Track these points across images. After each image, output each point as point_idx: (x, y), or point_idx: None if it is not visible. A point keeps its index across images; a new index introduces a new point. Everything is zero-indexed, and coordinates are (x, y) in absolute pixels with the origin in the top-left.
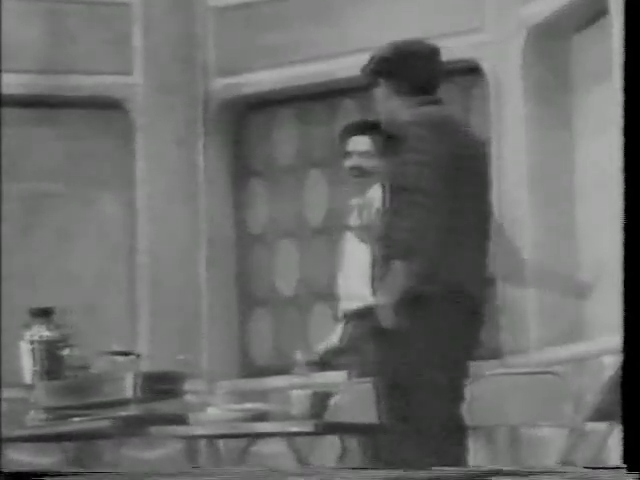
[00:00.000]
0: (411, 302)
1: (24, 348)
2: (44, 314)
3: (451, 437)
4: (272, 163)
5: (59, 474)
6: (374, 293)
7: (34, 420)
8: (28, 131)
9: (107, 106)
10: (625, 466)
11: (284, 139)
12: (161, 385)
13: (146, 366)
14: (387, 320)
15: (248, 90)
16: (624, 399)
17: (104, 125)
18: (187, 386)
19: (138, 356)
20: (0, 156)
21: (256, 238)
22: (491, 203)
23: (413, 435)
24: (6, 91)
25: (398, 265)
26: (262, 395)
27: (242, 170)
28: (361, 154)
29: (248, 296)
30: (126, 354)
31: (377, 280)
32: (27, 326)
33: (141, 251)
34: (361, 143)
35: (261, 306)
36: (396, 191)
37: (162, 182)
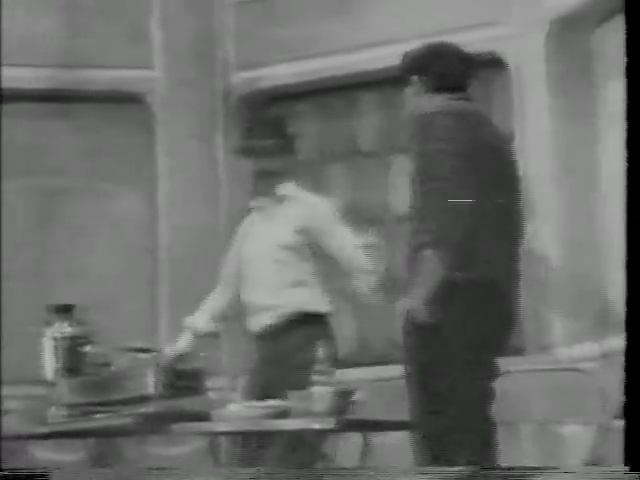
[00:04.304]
0: (444, 293)
1: (46, 345)
2: (65, 311)
3: (483, 436)
4: None
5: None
6: (408, 286)
7: (56, 417)
8: (46, 126)
9: (126, 100)
10: (626, 466)
11: (304, 133)
12: (183, 382)
13: (167, 362)
14: (420, 313)
15: (267, 84)
16: (625, 399)
17: (123, 120)
18: (209, 383)
19: (159, 352)
20: (0, 152)
21: None
22: (520, 200)
23: (445, 433)
24: (24, 85)
25: (429, 254)
26: (284, 392)
27: None
28: (264, 154)
29: None
30: (147, 351)
31: (409, 273)
32: (49, 323)
33: (161, 247)
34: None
35: None
36: (421, 181)
37: (182, 177)
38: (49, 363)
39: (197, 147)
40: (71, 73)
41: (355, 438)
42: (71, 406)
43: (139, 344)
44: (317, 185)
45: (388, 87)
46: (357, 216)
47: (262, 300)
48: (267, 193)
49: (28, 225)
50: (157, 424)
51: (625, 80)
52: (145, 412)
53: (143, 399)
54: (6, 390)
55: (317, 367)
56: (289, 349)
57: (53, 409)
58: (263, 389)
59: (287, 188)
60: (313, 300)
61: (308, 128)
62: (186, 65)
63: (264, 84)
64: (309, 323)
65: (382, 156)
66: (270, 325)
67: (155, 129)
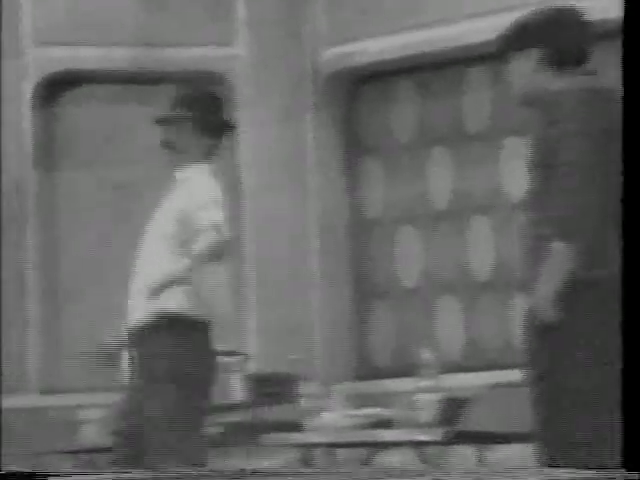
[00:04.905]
0: (573, 290)
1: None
2: None
3: (610, 447)
4: (389, 140)
5: (60, 474)
6: (530, 282)
7: None
8: (121, 110)
9: (207, 81)
10: (625, 466)
11: (402, 113)
12: (271, 388)
13: (254, 367)
14: (546, 312)
15: (361, 60)
16: (624, 399)
17: None
18: (300, 389)
19: (245, 356)
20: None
21: (373, 224)
22: None
23: (572, 443)
24: (98, 66)
25: (558, 246)
26: (384, 399)
27: (356, 149)
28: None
29: (366, 288)
30: (232, 354)
31: (532, 267)
32: None
33: (246, 240)
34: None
35: (381, 299)
36: (547, 167)
37: (267, 164)
38: (127, 369)
39: (283, 130)
40: (148, 52)
41: (467, 452)
42: None
43: (224, 347)
44: (418, 170)
45: (497, 61)
46: (463, 204)
47: (135, 297)
48: (171, 176)
49: (103, 219)
50: (244, 435)
51: (623, 77)
52: (231, 421)
53: (231, 407)
54: (83, 398)
55: (422, 371)
56: (153, 354)
57: None
58: (131, 399)
59: (186, 171)
60: (186, 302)
61: (407, 108)
62: (271, 41)
63: (357, 60)
64: (180, 328)
65: (492, 138)
66: (137, 327)
67: (237, 111)
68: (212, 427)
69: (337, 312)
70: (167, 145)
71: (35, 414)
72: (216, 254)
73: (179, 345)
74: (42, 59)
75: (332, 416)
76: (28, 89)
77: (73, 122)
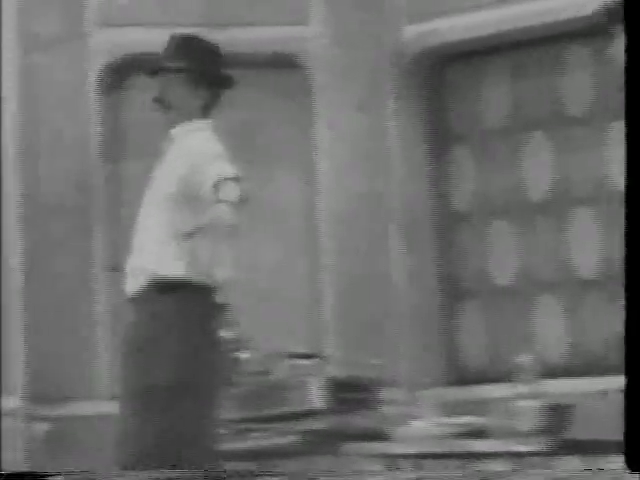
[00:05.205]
0: None
1: None
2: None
3: None
4: (480, 126)
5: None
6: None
7: None
8: None
9: (277, 64)
10: (626, 466)
11: (494, 96)
12: (353, 394)
13: (334, 371)
14: None
15: (448, 38)
16: (625, 399)
17: (276, 87)
18: (384, 395)
19: (324, 359)
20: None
21: (462, 217)
22: None
23: None
24: (157, 50)
25: None
26: (478, 407)
27: (442, 136)
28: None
29: (454, 287)
30: (310, 357)
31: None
32: None
33: (323, 235)
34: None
35: (471, 299)
36: None
37: (346, 152)
38: None
39: (363, 116)
40: (216, 33)
41: (573, 463)
42: (224, 422)
43: (301, 349)
44: (512, 159)
45: (600, 38)
46: (564, 194)
47: (134, 259)
48: (165, 134)
49: None
50: (324, 444)
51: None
52: (309, 429)
53: (307, 414)
54: None
55: (519, 376)
56: (152, 320)
57: None
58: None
59: (183, 127)
60: (187, 266)
61: (499, 90)
62: (349, 18)
63: (443, 38)
64: (180, 292)
65: (596, 121)
66: (136, 290)
67: (312, 97)
68: (290, 435)
69: (423, 312)
70: (160, 102)
71: (105, 421)
72: (237, 208)
73: (179, 310)
74: (107, 42)
75: (421, 425)
76: (93, 74)
77: (140, 108)
